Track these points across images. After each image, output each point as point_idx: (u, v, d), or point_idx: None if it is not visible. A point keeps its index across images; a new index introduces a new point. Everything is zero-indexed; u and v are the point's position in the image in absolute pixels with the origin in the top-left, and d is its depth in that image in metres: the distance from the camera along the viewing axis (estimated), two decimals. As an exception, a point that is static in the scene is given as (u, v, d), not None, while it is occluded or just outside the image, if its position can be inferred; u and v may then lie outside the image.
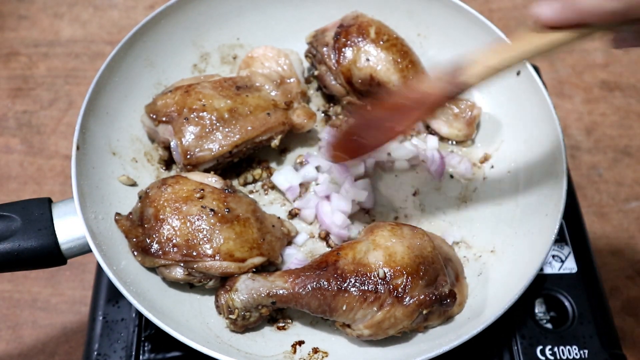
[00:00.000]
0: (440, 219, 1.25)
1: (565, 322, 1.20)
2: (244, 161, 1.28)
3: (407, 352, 1.04)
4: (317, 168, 1.27)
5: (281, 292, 1.02)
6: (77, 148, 1.11)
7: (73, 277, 1.41)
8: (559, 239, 1.30)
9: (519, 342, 1.17)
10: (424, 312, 1.01)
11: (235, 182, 1.27)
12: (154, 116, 1.20)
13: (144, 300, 1.01)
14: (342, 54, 1.28)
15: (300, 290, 1.02)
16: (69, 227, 1.03)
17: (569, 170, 1.38)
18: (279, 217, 1.18)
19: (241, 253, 1.05)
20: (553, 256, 1.28)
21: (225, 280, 1.06)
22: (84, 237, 1.02)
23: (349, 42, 1.28)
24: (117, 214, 1.11)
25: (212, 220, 1.05)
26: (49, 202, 1.06)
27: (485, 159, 1.32)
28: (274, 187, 1.26)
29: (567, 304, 1.22)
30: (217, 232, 1.05)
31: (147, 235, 1.06)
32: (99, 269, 1.26)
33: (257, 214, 1.12)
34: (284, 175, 1.25)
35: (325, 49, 1.31)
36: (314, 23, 1.40)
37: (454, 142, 1.34)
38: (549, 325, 1.21)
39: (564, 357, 1.16)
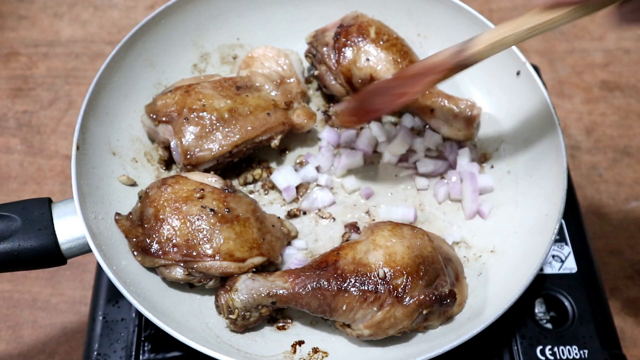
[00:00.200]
0: (440, 219, 1.25)
1: (565, 322, 1.20)
2: (244, 161, 1.28)
3: (407, 352, 1.04)
4: (317, 168, 1.27)
5: (281, 292, 1.02)
6: (77, 148, 1.11)
7: (73, 277, 1.41)
8: (559, 239, 1.30)
9: (519, 342, 1.17)
10: (424, 312, 1.01)
11: (235, 182, 1.27)
12: (154, 116, 1.20)
13: (144, 300, 1.01)
14: (342, 54, 1.28)
15: (300, 290, 1.02)
16: (69, 227, 1.03)
17: (569, 170, 1.38)
18: (279, 217, 1.18)
19: (241, 253, 1.05)
20: (553, 256, 1.28)
21: (225, 280, 1.06)
22: (84, 237, 1.02)
23: (349, 42, 1.28)
24: (117, 214, 1.11)
25: (212, 220, 1.05)
26: (49, 202, 1.06)
27: (485, 159, 1.32)
28: (274, 187, 1.26)
29: (567, 304, 1.22)
30: (217, 232, 1.05)
31: (147, 235, 1.06)
32: (99, 269, 1.26)
33: (257, 214, 1.12)
34: (283, 175, 1.25)
35: (325, 49, 1.31)
36: (314, 23, 1.40)
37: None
38: (549, 325, 1.21)
39: (564, 357, 1.16)
